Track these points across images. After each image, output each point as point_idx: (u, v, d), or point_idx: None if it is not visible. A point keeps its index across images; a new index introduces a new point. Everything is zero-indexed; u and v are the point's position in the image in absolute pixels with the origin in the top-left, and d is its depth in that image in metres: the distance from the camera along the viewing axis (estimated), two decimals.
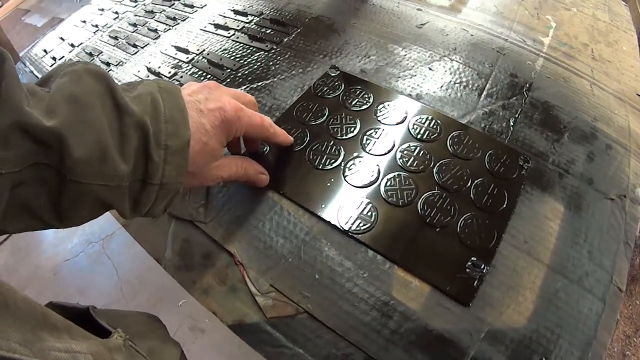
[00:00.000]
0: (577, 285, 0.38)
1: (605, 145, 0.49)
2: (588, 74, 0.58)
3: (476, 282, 0.37)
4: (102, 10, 0.83)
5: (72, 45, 0.75)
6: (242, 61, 0.61)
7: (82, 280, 1.36)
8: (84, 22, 0.81)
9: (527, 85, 0.54)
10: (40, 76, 0.68)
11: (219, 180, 0.38)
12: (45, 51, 0.76)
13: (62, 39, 0.78)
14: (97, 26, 0.78)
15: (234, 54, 0.62)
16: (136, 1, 0.82)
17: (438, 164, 0.45)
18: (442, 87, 0.54)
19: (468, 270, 0.38)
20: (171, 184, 0.31)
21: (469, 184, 0.43)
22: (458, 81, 0.55)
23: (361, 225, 0.41)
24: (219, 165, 0.37)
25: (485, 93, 0.53)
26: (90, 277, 1.36)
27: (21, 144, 0.24)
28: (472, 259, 0.38)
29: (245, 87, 0.57)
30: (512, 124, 0.49)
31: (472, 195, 0.42)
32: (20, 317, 0.21)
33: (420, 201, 0.42)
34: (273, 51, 0.61)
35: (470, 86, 0.54)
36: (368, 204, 0.42)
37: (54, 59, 0.73)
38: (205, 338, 1.12)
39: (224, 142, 0.36)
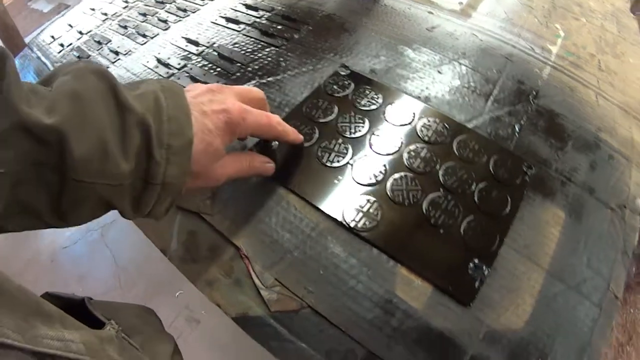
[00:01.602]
0: (574, 291, 0.39)
1: (607, 155, 0.50)
2: (594, 84, 0.59)
3: (477, 283, 0.38)
4: None
5: (80, 32, 0.75)
6: (252, 56, 0.61)
7: (80, 268, 1.36)
8: (93, 9, 0.81)
9: (534, 93, 0.55)
10: (47, 62, 0.68)
11: (224, 179, 0.37)
12: (52, 37, 0.76)
13: (70, 25, 0.78)
14: (106, 14, 0.78)
15: (244, 48, 0.62)
16: None
17: (444, 166, 0.45)
18: (450, 90, 0.55)
19: (470, 272, 0.39)
20: (173, 184, 0.31)
21: (474, 187, 0.44)
22: (466, 85, 0.55)
23: (366, 223, 0.41)
24: (223, 164, 0.37)
25: (492, 98, 0.54)
26: (88, 265, 1.36)
27: (20, 142, 0.24)
28: (474, 260, 0.39)
29: (255, 81, 0.57)
30: (517, 130, 0.50)
31: (476, 199, 0.43)
32: (14, 305, 0.21)
33: (425, 202, 0.43)
34: (283, 47, 0.62)
35: (478, 91, 0.55)
36: (374, 202, 0.43)
37: (62, 45, 0.73)
38: (201, 329, 1.13)
39: (227, 142, 0.36)
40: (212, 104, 0.35)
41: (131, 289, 1.23)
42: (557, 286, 0.39)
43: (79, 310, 0.31)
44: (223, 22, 0.68)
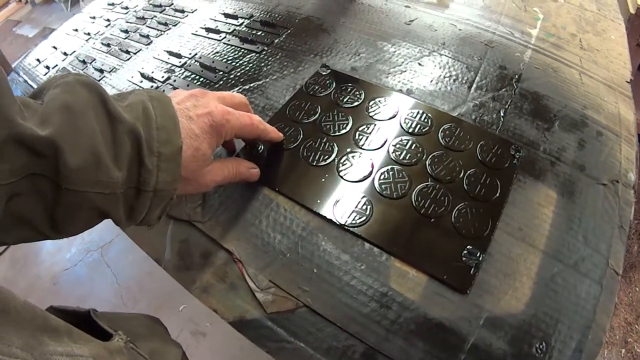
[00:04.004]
0: (573, 269, 0.39)
1: (595, 132, 0.50)
2: (576, 63, 0.59)
3: (472, 269, 0.38)
4: (94, 18, 0.84)
5: (65, 54, 0.75)
6: (233, 63, 0.61)
7: (81, 289, 1.37)
8: (76, 30, 0.81)
9: (516, 77, 0.55)
10: (33, 85, 0.68)
11: (213, 185, 0.39)
12: (38, 60, 0.76)
13: (54, 47, 0.78)
14: (89, 34, 0.79)
15: (226, 57, 0.63)
16: (127, 8, 0.83)
17: (430, 156, 0.45)
18: (431, 81, 0.55)
19: (464, 259, 0.38)
20: (165, 191, 0.32)
21: (462, 175, 0.44)
22: (447, 75, 0.55)
23: (356, 218, 0.41)
24: (211, 170, 0.38)
25: (474, 85, 0.54)
26: (89, 286, 1.37)
27: (16, 155, 0.25)
28: (468, 247, 0.39)
29: (238, 88, 0.57)
30: (502, 114, 0.50)
31: (465, 185, 0.43)
32: (21, 322, 0.22)
33: (413, 193, 0.43)
34: (264, 52, 0.62)
35: (460, 79, 0.55)
36: (362, 197, 0.43)
37: (47, 67, 0.73)
38: (207, 341, 1.12)
39: (214, 145, 0.37)
40: (197, 108, 0.36)
41: (134, 306, 1.24)
42: (555, 266, 0.39)
43: (85, 322, 0.31)
44: (204, 32, 0.69)
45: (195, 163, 0.35)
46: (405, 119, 0.49)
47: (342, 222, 0.41)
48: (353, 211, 0.42)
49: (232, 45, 0.64)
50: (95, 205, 0.29)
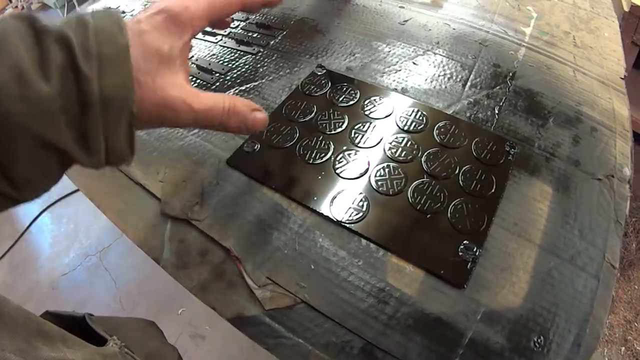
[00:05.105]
0: (569, 263, 0.39)
1: (590, 127, 0.50)
2: (570, 60, 0.59)
3: (469, 264, 0.38)
4: None
5: None
6: (230, 65, 0.62)
7: (80, 294, 1.37)
8: None
9: (510, 74, 0.55)
10: None
11: (189, 111, 0.29)
12: None
13: None
14: None
15: (222, 58, 0.63)
16: (124, 12, 0.83)
17: (425, 153, 0.46)
18: (426, 79, 0.55)
19: (460, 254, 0.39)
20: (115, 99, 0.25)
21: (457, 171, 0.44)
22: (442, 73, 0.56)
23: (353, 215, 0.42)
24: (185, 88, 0.30)
25: (469, 83, 0.54)
26: (88, 290, 1.37)
27: None
28: (464, 242, 0.39)
29: (234, 89, 0.58)
30: (496, 111, 0.51)
31: (460, 182, 0.43)
32: (14, 327, 0.22)
33: (409, 189, 0.43)
34: (260, 54, 0.63)
35: (454, 77, 0.55)
36: (359, 194, 0.43)
37: None
38: (206, 344, 1.12)
39: (175, 41, 0.30)
40: (146, 11, 0.30)
41: (133, 310, 1.24)
42: (551, 260, 0.39)
43: (80, 327, 0.31)
44: (200, 35, 0.69)
45: (148, 62, 0.28)
46: (401, 117, 0.50)
47: (339, 219, 0.41)
48: (350, 208, 0.42)
49: (228, 48, 0.65)
50: (31, 131, 0.24)
